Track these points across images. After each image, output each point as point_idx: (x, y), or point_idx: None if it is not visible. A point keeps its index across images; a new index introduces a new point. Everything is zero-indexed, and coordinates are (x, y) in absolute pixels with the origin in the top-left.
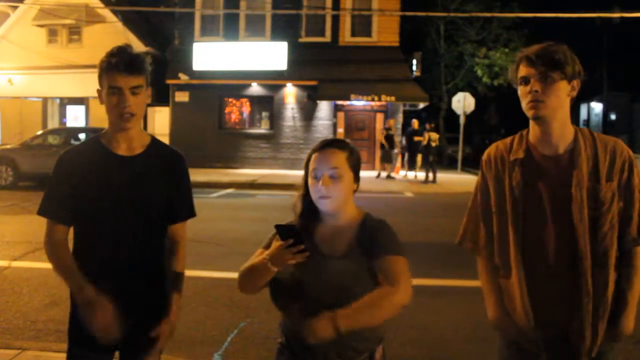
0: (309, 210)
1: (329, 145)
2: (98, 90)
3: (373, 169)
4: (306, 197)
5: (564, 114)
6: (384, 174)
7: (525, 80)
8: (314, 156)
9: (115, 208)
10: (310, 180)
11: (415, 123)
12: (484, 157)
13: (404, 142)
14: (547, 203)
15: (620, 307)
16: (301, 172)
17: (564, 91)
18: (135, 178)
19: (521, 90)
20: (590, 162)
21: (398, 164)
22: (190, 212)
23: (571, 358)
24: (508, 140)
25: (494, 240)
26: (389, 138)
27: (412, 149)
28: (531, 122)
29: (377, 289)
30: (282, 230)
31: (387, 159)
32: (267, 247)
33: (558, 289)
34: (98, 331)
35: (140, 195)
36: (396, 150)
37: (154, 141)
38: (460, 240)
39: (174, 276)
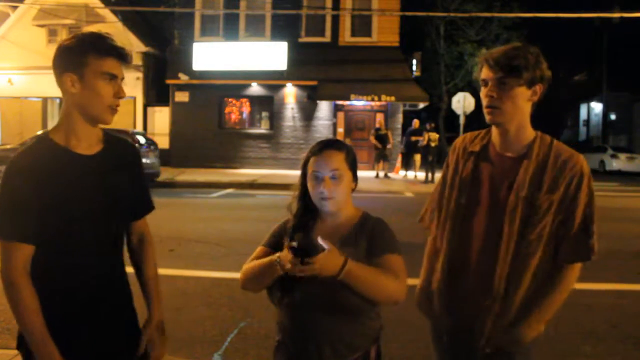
0: (306, 210)
1: (328, 147)
2: (68, 75)
3: (372, 169)
4: (303, 197)
5: (522, 119)
6: (381, 173)
7: (485, 83)
8: (312, 159)
9: (86, 215)
10: (310, 183)
11: (416, 123)
12: (453, 144)
13: (404, 142)
14: (485, 199)
15: (525, 314)
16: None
17: (522, 97)
18: (101, 179)
19: (482, 91)
20: (537, 168)
21: (398, 164)
22: (151, 205)
23: (468, 351)
24: (476, 132)
25: (439, 223)
26: (380, 137)
27: (411, 148)
28: None
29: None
30: (296, 252)
31: (379, 158)
32: (268, 245)
33: (474, 284)
34: None
35: (109, 197)
36: (389, 146)
37: (106, 134)
38: (420, 219)
39: (151, 278)
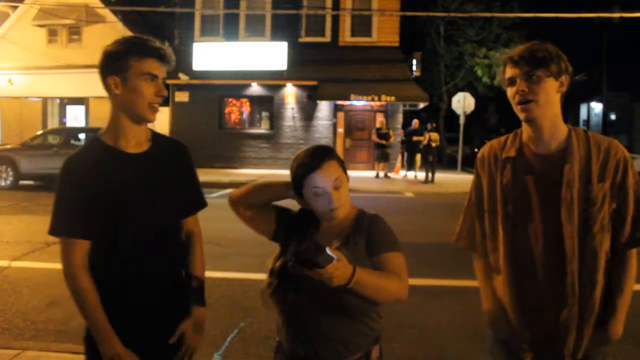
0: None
1: (323, 159)
2: (111, 79)
3: (372, 169)
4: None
5: (555, 112)
6: (381, 173)
7: (512, 82)
8: (311, 176)
9: (135, 212)
10: (312, 199)
11: (416, 123)
12: (479, 155)
13: (405, 142)
14: (536, 202)
15: (609, 311)
16: None
17: (551, 88)
18: (150, 175)
19: (509, 92)
20: (582, 161)
21: (398, 163)
22: (201, 203)
23: (555, 359)
24: (503, 138)
25: (487, 239)
26: (382, 136)
27: (411, 148)
28: (523, 123)
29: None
30: (305, 263)
31: (380, 158)
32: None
33: (545, 289)
34: None
35: (156, 193)
36: (387, 144)
37: (154, 134)
38: (457, 239)
39: (195, 281)
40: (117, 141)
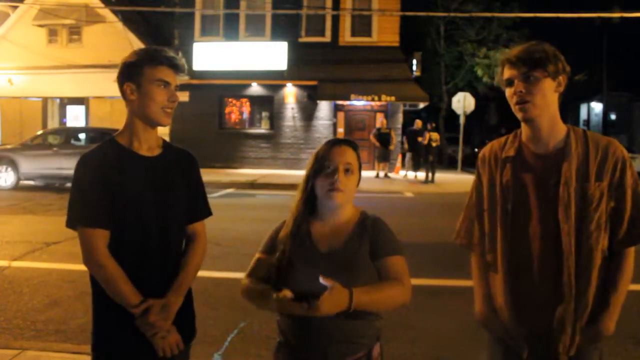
0: (310, 209)
1: (343, 142)
2: (127, 85)
3: (373, 169)
4: (309, 196)
5: (553, 111)
6: (381, 173)
7: (510, 82)
8: (327, 152)
9: (141, 210)
10: (321, 175)
11: (418, 123)
12: (480, 155)
13: (405, 142)
14: (534, 201)
15: (602, 308)
16: (301, 172)
17: (549, 89)
18: (159, 178)
19: (507, 92)
20: (579, 160)
21: (398, 163)
22: (207, 211)
23: (551, 356)
24: (503, 139)
25: (485, 238)
26: (382, 137)
27: (414, 149)
28: (522, 123)
29: (387, 280)
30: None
31: (382, 158)
32: (266, 251)
33: (542, 287)
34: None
35: (163, 196)
36: (391, 148)
37: (165, 142)
38: (455, 237)
39: (182, 268)
40: (131, 143)
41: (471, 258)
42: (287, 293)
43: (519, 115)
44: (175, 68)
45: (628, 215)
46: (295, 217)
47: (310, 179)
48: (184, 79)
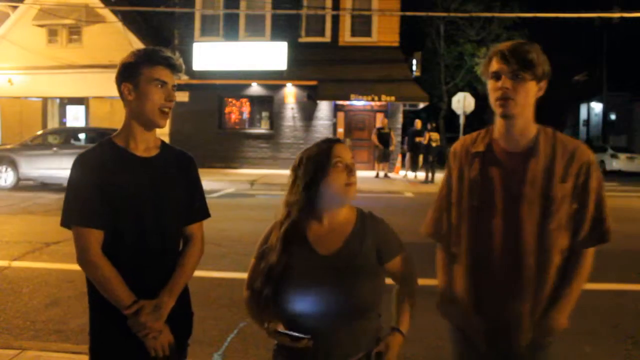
0: (307, 208)
1: (341, 141)
2: (125, 85)
3: (373, 169)
4: (309, 191)
5: (529, 113)
6: (381, 173)
7: (497, 76)
8: (336, 148)
9: (138, 211)
10: (333, 171)
11: (418, 123)
12: (452, 149)
13: (405, 142)
14: (499, 197)
15: (555, 302)
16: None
17: (532, 91)
18: (155, 179)
19: (491, 84)
20: (546, 160)
21: (398, 163)
22: (206, 213)
23: (507, 349)
24: (475, 134)
25: (452, 230)
26: (383, 137)
27: (414, 149)
28: (497, 118)
29: (401, 291)
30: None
31: (382, 158)
32: (261, 257)
33: (502, 283)
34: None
35: (160, 197)
36: (391, 148)
37: (163, 143)
38: (424, 227)
39: (178, 267)
40: (128, 144)
41: (436, 249)
42: (279, 326)
43: (497, 111)
44: (173, 68)
45: (590, 217)
46: (293, 218)
47: (318, 176)
48: (183, 78)
